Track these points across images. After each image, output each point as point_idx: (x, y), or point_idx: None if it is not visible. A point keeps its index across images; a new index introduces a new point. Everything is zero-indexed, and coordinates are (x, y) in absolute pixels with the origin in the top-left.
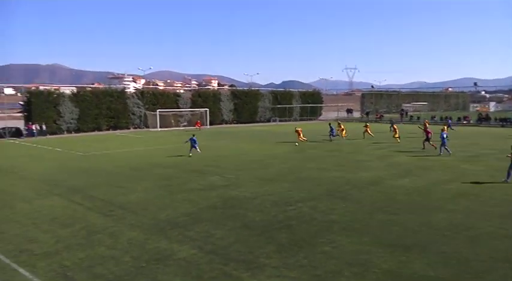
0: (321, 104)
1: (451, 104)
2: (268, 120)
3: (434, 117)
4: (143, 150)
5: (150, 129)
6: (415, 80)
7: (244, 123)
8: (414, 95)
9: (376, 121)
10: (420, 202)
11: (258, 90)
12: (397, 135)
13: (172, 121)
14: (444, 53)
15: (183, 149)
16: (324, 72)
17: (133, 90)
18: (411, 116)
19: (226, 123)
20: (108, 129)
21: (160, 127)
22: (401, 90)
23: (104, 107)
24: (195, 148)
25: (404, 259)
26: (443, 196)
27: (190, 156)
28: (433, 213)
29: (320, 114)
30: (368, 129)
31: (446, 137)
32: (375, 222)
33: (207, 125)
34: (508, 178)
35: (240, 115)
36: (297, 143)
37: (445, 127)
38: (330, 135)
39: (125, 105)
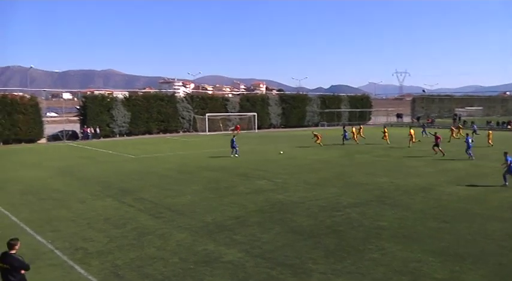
0: (370, 108)
1: (508, 109)
2: (316, 125)
3: (490, 122)
4: (192, 153)
5: (199, 133)
6: (469, 84)
7: (292, 127)
8: (468, 99)
9: (420, 126)
10: (474, 210)
11: (306, 94)
12: (413, 140)
13: (221, 125)
14: (501, 55)
15: (231, 153)
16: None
17: (183, 95)
18: (464, 121)
19: (274, 127)
20: (158, 133)
21: (208, 131)
22: (454, 94)
23: (154, 111)
24: (235, 148)
25: (458, 269)
26: (500, 204)
27: (236, 156)
28: (489, 222)
29: (369, 119)
30: (386, 134)
31: (472, 141)
32: (426, 229)
33: (254, 129)
34: (505, 181)
35: (288, 119)
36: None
37: (471, 132)
38: (342, 139)
39: (174, 109)
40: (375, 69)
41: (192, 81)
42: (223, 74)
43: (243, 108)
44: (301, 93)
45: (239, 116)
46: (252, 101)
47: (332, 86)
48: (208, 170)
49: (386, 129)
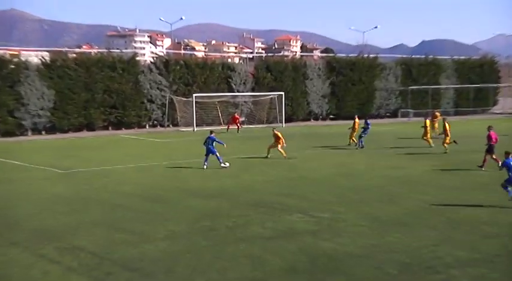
0: (497, 83)
1: None
2: (394, 115)
3: None
4: (169, 165)
5: (181, 129)
6: None
7: (349, 119)
8: None
9: None
10: None
11: (375, 58)
12: (447, 140)
13: (220, 114)
14: None
15: (243, 166)
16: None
17: (152, 59)
18: None
19: (316, 118)
20: (106, 128)
21: (198, 125)
22: None
23: (98, 88)
24: (216, 155)
25: None
26: None
27: (204, 169)
28: None
29: (494, 103)
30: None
31: None
32: None
33: (281, 123)
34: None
35: (342, 105)
36: (269, 156)
37: None
38: (359, 137)
39: (135, 85)
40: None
41: (168, 35)
42: (223, 21)
43: (260, 84)
44: (366, 56)
45: (253, 98)
46: (276, 71)
47: (423, 42)
48: (198, 197)
49: (444, 123)
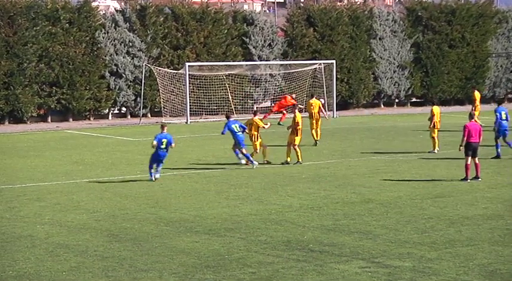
0: None
1: None
2: None
3: None
4: (144, 179)
5: (166, 120)
6: None
7: (444, 104)
8: None
9: None
10: None
11: (489, 2)
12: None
13: (230, 97)
14: None
15: (269, 182)
16: None
17: (117, 5)
18: None
19: (390, 103)
20: (42, 119)
21: (192, 114)
22: None
23: (29, 52)
24: (236, 154)
25: None
26: None
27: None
28: None
29: None
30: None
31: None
32: None
33: (330, 111)
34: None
35: (433, 81)
36: (289, 160)
37: None
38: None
39: (91, 48)
40: None
41: None
42: None
43: (296, 47)
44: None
45: (284, 69)
46: (322, 25)
47: None
48: (192, 232)
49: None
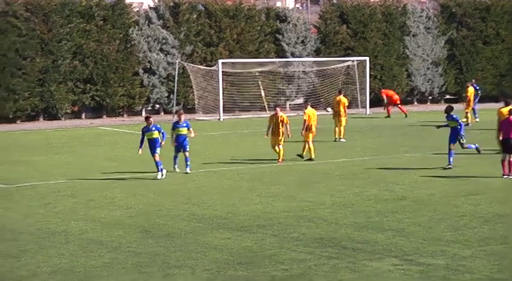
0: None
1: None
2: None
3: None
4: (177, 177)
5: (199, 117)
6: None
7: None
8: None
9: None
10: None
11: None
12: None
13: (263, 93)
14: None
15: (301, 179)
16: None
17: (151, 2)
18: None
19: (423, 100)
20: (76, 116)
21: (226, 111)
22: None
23: (64, 50)
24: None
25: None
26: None
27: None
28: None
29: None
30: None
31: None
32: None
33: (363, 108)
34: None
35: (467, 78)
36: (304, 155)
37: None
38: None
39: (125, 45)
40: None
41: None
42: None
43: (329, 44)
44: None
45: (317, 66)
46: (355, 22)
47: None
48: (225, 229)
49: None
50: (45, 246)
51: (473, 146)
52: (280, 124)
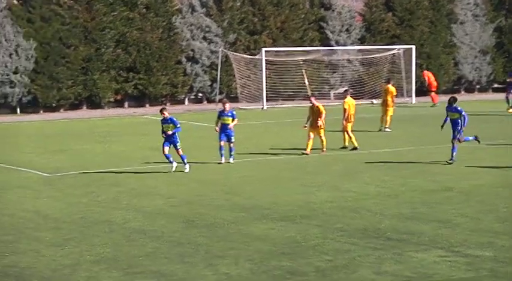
0: None
1: None
2: None
3: None
4: (221, 166)
5: (242, 106)
6: None
7: None
8: None
9: None
10: None
11: None
12: None
13: (307, 82)
14: None
15: (346, 169)
16: None
17: None
18: None
19: (471, 89)
20: (119, 104)
21: (269, 100)
22: None
23: (107, 38)
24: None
25: None
26: None
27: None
28: None
29: None
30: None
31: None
32: None
33: (408, 98)
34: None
35: None
36: (347, 144)
37: None
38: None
39: (168, 33)
40: None
41: None
42: None
43: (374, 32)
44: None
45: (362, 54)
46: (401, 10)
47: None
48: (267, 218)
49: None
50: (88, 235)
51: (470, 138)
52: (317, 114)
